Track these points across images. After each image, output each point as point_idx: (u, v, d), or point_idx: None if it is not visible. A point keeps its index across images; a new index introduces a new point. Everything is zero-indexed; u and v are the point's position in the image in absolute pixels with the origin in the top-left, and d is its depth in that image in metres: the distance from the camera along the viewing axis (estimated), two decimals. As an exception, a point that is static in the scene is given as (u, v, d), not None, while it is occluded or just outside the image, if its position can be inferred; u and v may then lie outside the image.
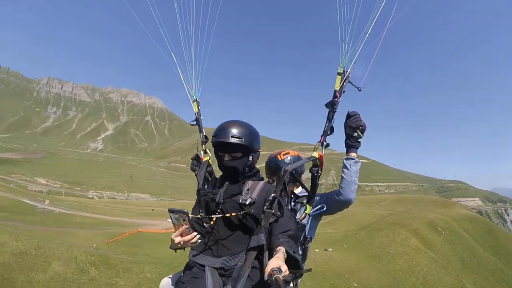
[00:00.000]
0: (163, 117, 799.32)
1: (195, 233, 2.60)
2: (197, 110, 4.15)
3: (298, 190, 3.80)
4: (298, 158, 3.89)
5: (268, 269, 2.11)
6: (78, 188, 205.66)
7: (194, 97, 4.20)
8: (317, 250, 35.69)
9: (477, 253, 48.73)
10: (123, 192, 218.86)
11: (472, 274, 41.23)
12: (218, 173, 3.47)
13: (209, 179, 3.53)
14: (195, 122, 4.12)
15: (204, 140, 3.95)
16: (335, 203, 3.39)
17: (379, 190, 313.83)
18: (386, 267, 33.51)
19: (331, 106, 3.29)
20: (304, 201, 3.58)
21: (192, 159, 3.93)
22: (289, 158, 3.90)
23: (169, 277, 3.08)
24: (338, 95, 3.29)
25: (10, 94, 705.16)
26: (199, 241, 2.65)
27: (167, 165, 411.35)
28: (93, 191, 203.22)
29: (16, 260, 23.64)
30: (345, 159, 3.39)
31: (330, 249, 36.79)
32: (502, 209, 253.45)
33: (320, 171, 3.24)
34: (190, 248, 2.88)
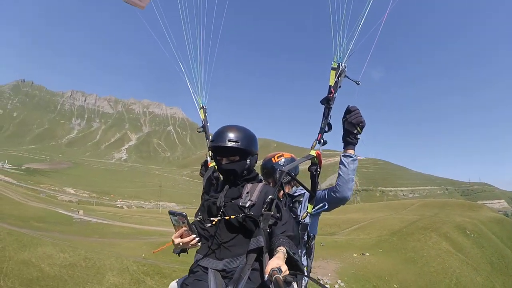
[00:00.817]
0: (185, 127, 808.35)
1: (194, 235, 2.73)
2: (203, 117, 4.33)
3: (292, 191, 4.02)
4: (291, 160, 4.00)
5: (268, 269, 2.16)
6: (106, 198, 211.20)
7: (201, 104, 4.37)
8: (355, 255, 38.13)
9: (505, 255, 50.08)
10: (150, 201, 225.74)
11: (501, 276, 42.81)
12: None
13: (215, 184, 3.60)
14: (202, 129, 4.32)
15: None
16: (332, 200, 3.47)
17: (403, 194, 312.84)
18: (421, 269, 35.78)
19: (327, 102, 3.31)
20: (301, 199, 3.75)
21: (201, 165, 4.20)
22: (283, 160, 4.02)
23: (176, 281, 3.22)
24: (333, 91, 3.30)
25: (35, 107, 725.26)
26: (199, 244, 2.82)
27: (190, 173, 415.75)
28: (120, 200, 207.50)
29: (67, 272, 23.41)
30: (342, 156, 3.43)
31: (367, 254, 39.16)
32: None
33: (319, 169, 3.35)
34: (195, 251, 3.07)
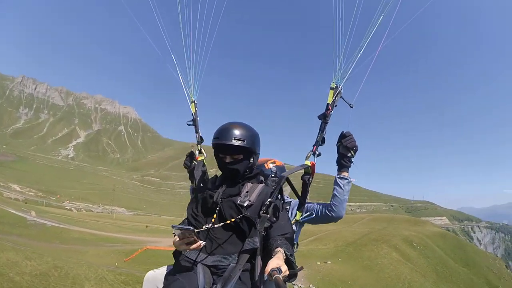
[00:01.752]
0: (137, 128, 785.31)
1: (202, 242, 2.68)
2: (194, 111, 4.30)
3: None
4: (282, 168, 4.10)
5: (268, 269, 2.16)
6: (54, 198, 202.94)
7: (192, 98, 4.34)
8: (319, 263, 40.83)
9: (449, 265, 54.93)
10: (99, 204, 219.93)
11: (446, 283, 46.93)
12: (211, 174, 3.66)
13: (207, 179, 3.53)
14: (191, 123, 4.26)
15: (200, 140, 4.14)
16: (325, 217, 3.61)
17: (351, 209, 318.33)
18: (377, 275, 39.07)
19: (324, 118, 3.52)
20: (288, 207, 3.78)
21: (186, 155, 4.09)
22: (274, 167, 4.06)
23: (154, 271, 3.19)
24: (330, 108, 3.51)
25: None
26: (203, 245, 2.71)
27: (140, 178, 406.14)
28: (68, 201, 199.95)
29: (40, 282, 22.47)
30: (338, 177, 3.59)
31: (329, 262, 42.05)
32: (468, 227, 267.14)
33: (311, 179, 3.48)
34: None
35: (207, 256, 2.74)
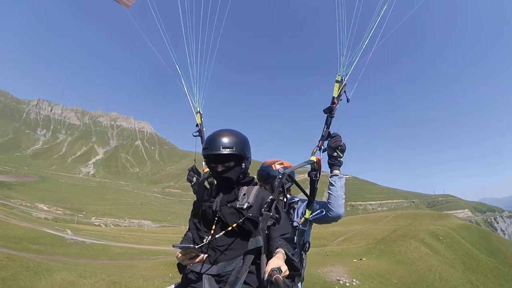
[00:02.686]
0: (153, 142, 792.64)
1: (204, 255, 2.73)
2: (200, 122, 4.36)
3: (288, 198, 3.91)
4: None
5: (268, 268, 2.16)
6: (81, 215, 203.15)
7: (198, 109, 4.42)
8: (355, 260, 43.92)
9: (475, 256, 57.03)
10: (124, 218, 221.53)
11: (474, 273, 49.05)
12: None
13: (210, 189, 3.45)
14: (197, 134, 4.34)
15: None
16: (324, 217, 3.60)
17: (372, 208, 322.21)
18: (410, 268, 41.89)
19: (329, 111, 3.52)
20: (296, 206, 3.90)
21: (189, 170, 4.15)
22: (282, 168, 4.03)
23: None
24: (336, 102, 3.52)
25: None
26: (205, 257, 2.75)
27: (161, 190, 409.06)
28: (95, 217, 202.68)
29: None
30: (329, 177, 3.60)
31: (364, 259, 45.23)
32: (491, 218, 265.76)
33: (318, 175, 3.50)
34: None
35: (211, 266, 2.79)
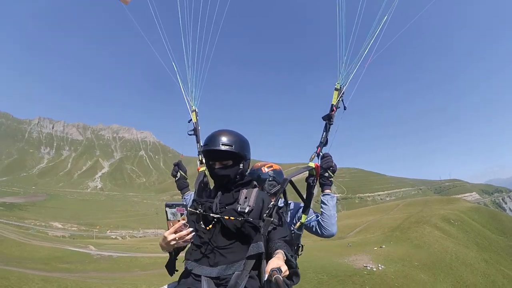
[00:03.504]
0: (157, 151, 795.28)
1: (191, 229, 2.58)
2: (195, 120, 4.31)
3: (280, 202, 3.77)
4: (280, 172, 4.16)
5: (268, 269, 2.18)
6: (96, 230, 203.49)
7: (194, 107, 4.38)
8: (376, 248, 46.55)
9: (487, 236, 59.53)
10: (138, 229, 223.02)
11: (487, 252, 51.45)
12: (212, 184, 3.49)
13: (208, 190, 3.47)
14: (192, 132, 4.29)
15: (201, 150, 3.94)
16: (317, 234, 3.71)
17: (381, 198, 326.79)
18: (427, 251, 44.20)
19: (328, 119, 3.55)
20: (290, 210, 3.91)
21: (174, 164, 4.26)
22: (271, 171, 4.09)
23: None
24: (334, 109, 3.56)
25: (1, 136, 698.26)
26: (194, 234, 2.68)
27: (170, 198, 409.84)
28: (109, 231, 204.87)
29: None
30: (321, 196, 3.68)
31: (383, 246, 47.92)
32: (499, 199, 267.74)
33: (316, 181, 3.51)
34: (185, 258, 2.99)
35: (210, 268, 2.79)
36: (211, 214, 2.89)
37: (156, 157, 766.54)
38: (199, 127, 4.32)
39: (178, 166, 4.25)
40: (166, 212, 2.53)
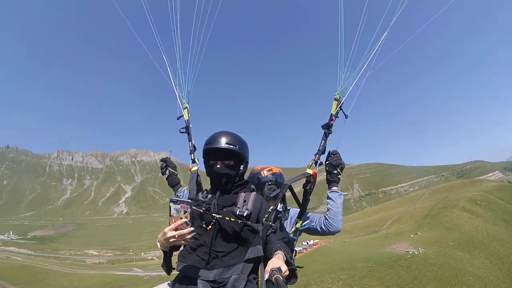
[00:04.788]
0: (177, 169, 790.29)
1: (192, 228, 2.43)
2: (187, 118, 4.17)
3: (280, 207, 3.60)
4: (280, 175, 4.07)
5: (268, 268, 2.16)
6: (131, 253, 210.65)
7: (186, 104, 4.26)
8: (412, 235, 50.12)
9: None
10: None
11: None
12: (204, 184, 3.54)
13: (201, 190, 3.41)
14: (184, 130, 4.12)
15: (193, 149, 3.94)
16: (323, 232, 3.62)
17: (404, 190, 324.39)
18: (459, 231, 47.31)
19: (327, 128, 3.53)
20: (287, 215, 3.70)
21: (161, 161, 4.14)
22: (271, 175, 4.00)
23: None
24: (333, 118, 3.55)
25: (23, 172, 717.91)
26: (194, 235, 2.48)
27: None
28: (143, 253, 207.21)
29: None
30: (329, 192, 3.68)
31: (418, 233, 51.81)
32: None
33: (312, 187, 3.42)
34: (178, 260, 2.86)
35: (206, 271, 2.70)
36: (213, 214, 2.79)
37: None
38: (191, 125, 4.18)
39: (166, 162, 4.15)
40: (170, 207, 2.45)
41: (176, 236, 2.39)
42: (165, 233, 2.44)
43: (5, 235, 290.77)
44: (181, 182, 4.18)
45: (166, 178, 4.10)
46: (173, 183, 4.13)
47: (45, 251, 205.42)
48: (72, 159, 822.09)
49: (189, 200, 2.43)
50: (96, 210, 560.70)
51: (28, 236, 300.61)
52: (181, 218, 2.39)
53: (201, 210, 2.80)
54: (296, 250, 3.67)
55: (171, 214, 2.42)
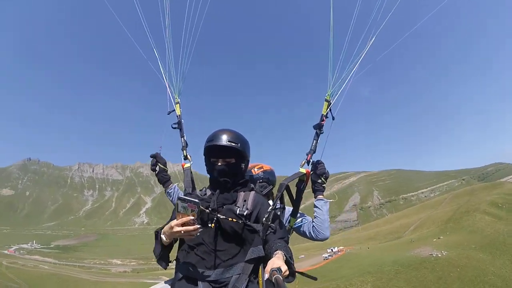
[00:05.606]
0: (195, 179, 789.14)
1: (199, 226, 2.43)
2: (179, 113, 4.13)
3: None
4: (271, 172, 4.09)
5: (268, 268, 2.14)
6: (153, 262, 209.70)
7: (177, 99, 4.20)
8: (435, 239, 51.93)
9: None
10: None
11: None
12: (197, 182, 3.58)
13: (196, 188, 3.41)
14: (176, 126, 4.08)
15: (185, 145, 3.95)
16: (311, 238, 3.66)
17: (425, 196, 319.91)
18: (481, 234, 48.70)
19: (318, 128, 3.57)
20: (283, 214, 3.74)
21: (151, 156, 3.98)
22: (262, 173, 4.02)
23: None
24: (324, 119, 3.58)
25: (45, 184, 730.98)
26: (199, 231, 2.46)
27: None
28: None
29: None
30: (315, 201, 3.68)
31: (441, 237, 53.55)
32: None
33: (305, 186, 3.50)
34: (177, 259, 2.84)
35: (207, 271, 2.68)
36: (217, 214, 2.74)
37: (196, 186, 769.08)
38: (183, 120, 4.11)
39: (155, 158, 3.99)
40: (177, 204, 2.43)
41: (182, 231, 2.41)
42: (171, 227, 2.46)
43: (29, 244, 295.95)
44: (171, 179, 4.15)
45: (156, 174, 4.03)
46: (163, 179, 4.07)
47: (70, 260, 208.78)
48: (93, 171, 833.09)
49: (197, 200, 2.41)
50: (117, 221, 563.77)
51: (51, 245, 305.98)
52: (189, 215, 2.41)
53: (207, 210, 2.74)
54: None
55: (179, 210, 2.43)
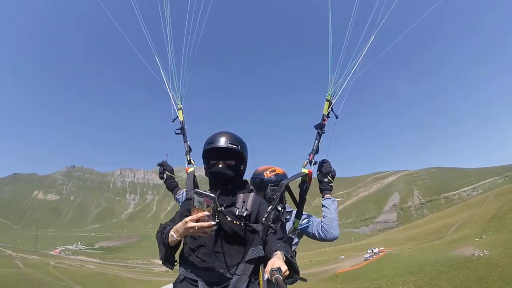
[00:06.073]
0: (201, 183, 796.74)
1: (214, 222, 2.38)
2: (182, 119, 4.16)
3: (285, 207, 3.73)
4: (283, 176, 3.97)
5: (268, 269, 2.13)
6: None
7: (180, 105, 4.23)
8: (477, 239, 50.87)
9: None
10: None
11: None
12: (202, 185, 3.56)
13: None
14: (179, 131, 4.12)
15: (189, 150, 4.01)
16: (320, 238, 3.66)
17: (467, 194, 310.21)
18: None
19: (320, 128, 3.59)
20: (288, 217, 3.82)
21: (159, 165, 4.12)
22: (274, 176, 3.93)
23: None
24: (325, 119, 3.60)
25: (89, 189, 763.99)
26: (214, 229, 2.42)
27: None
28: None
29: None
30: (322, 200, 3.70)
31: (484, 236, 52.85)
32: None
33: (308, 186, 3.50)
34: (179, 261, 2.84)
35: (207, 273, 2.69)
36: (225, 216, 2.75)
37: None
38: (186, 126, 4.16)
39: (163, 166, 4.14)
40: (193, 198, 2.38)
41: (197, 227, 2.37)
42: (186, 222, 2.41)
43: (74, 245, 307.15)
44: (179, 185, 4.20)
45: (164, 182, 4.15)
46: (171, 186, 4.19)
47: (114, 260, 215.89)
48: (134, 176, 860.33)
49: (213, 195, 2.38)
50: (158, 223, 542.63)
51: (96, 246, 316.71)
52: (204, 211, 2.37)
53: (221, 208, 2.74)
54: (295, 252, 3.72)
55: (194, 205, 2.39)
